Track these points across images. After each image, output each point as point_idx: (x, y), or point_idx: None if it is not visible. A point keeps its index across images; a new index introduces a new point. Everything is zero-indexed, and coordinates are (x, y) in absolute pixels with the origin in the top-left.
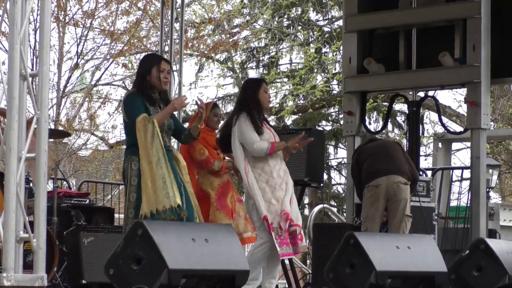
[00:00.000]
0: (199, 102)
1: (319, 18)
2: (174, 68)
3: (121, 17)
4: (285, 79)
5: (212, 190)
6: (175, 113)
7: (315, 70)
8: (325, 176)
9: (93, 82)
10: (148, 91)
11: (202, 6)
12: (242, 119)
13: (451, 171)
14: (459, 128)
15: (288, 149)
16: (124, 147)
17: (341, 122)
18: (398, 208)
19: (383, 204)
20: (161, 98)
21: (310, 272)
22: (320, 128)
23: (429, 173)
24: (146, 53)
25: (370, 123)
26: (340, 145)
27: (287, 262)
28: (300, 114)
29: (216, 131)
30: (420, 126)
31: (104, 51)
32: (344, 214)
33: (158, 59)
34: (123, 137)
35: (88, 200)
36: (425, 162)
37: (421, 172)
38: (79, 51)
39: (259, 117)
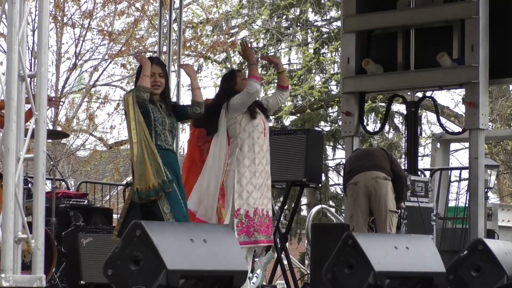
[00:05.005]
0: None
1: (318, 19)
2: (172, 68)
3: (118, 17)
4: None
5: None
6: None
7: (314, 71)
8: (323, 177)
9: (91, 83)
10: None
11: (201, 6)
12: None
13: (449, 171)
14: (457, 129)
15: None
16: (122, 147)
17: (340, 122)
18: (380, 205)
19: (364, 201)
20: (161, 97)
21: (309, 272)
22: (318, 129)
23: (427, 173)
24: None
25: (368, 124)
26: (339, 145)
27: (285, 262)
28: (298, 114)
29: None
30: (418, 126)
31: (103, 52)
32: (343, 215)
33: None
34: (122, 137)
35: (86, 201)
36: (422, 163)
37: (419, 173)
38: (77, 51)
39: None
